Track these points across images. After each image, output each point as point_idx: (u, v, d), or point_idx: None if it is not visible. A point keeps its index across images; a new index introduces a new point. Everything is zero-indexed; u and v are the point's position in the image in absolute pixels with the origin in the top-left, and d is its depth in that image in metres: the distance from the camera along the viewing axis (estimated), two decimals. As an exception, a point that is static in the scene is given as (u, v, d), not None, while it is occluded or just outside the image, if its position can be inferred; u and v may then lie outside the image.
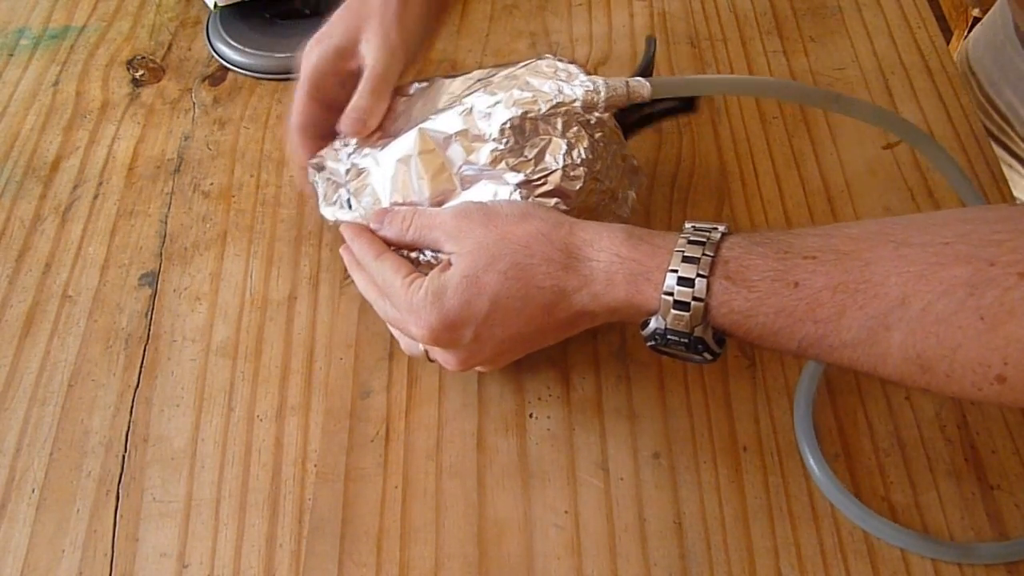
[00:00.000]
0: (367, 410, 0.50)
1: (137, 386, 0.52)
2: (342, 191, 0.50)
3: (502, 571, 0.45)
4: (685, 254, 0.39)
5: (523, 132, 0.45)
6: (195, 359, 0.53)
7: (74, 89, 0.68)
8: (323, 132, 0.52)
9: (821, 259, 0.37)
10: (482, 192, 0.46)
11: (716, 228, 0.40)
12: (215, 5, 0.69)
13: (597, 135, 0.47)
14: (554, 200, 0.46)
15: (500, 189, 0.45)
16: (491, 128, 0.45)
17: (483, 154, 0.46)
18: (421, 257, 0.46)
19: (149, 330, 0.54)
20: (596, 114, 0.46)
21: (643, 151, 0.63)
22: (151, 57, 0.71)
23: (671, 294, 0.39)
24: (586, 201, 0.47)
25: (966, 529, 0.46)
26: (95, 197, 0.61)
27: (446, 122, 0.47)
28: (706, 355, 0.40)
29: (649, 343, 0.41)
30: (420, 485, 0.48)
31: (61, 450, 0.49)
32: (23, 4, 0.75)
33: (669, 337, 0.40)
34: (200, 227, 0.59)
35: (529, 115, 0.45)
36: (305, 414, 0.50)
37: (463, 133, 0.46)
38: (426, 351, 0.46)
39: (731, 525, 0.46)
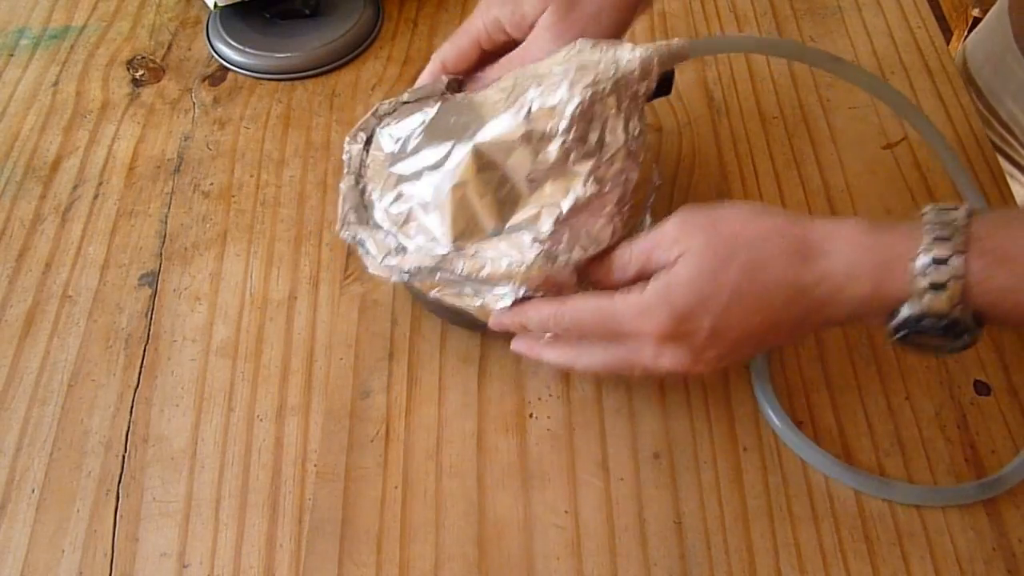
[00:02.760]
0: (367, 410, 0.50)
1: (137, 386, 0.52)
2: (389, 240, 0.48)
3: (502, 571, 0.45)
4: (937, 235, 0.37)
5: (587, 118, 0.44)
6: (195, 359, 0.53)
7: (74, 89, 0.68)
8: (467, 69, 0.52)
9: None
10: (552, 192, 0.45)
11: (958, 207, 0.38)
12: (215, 5, 0.69)
13: (642, 104, 0.46)
14: (623, 177, 0.45)
15: (572, 183, 0.44)
16: (558, 122, 0.44)
17: (552, 152, 0.44)
18: None
19: (149, 330, 0.54)
20: (646, 83, 0.45)
21: (643, 151, 0.63)
22: (151, 57, 0.71)
23: (926, 276, 0.37)
24: (645, 172, 0.46)
25: (966, 529, 0.46)
26: (95, 197, 0.61)
27: (503, 129, 0.45)
28: (966, 337, 0.38)
29: (898, 334, 0.39)
30: (420, 485, 0.48)
31: (61, 450, 0.49)
32: (23, 4, 0.75)
33: (924, 323, 0.38)
34: (200, 227, 0.59)
35: (595, 97, 0.44)
36: (305, 414, 0.50)
37: (527, 136, 0.44)
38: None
39: (731, 525, 0.46)
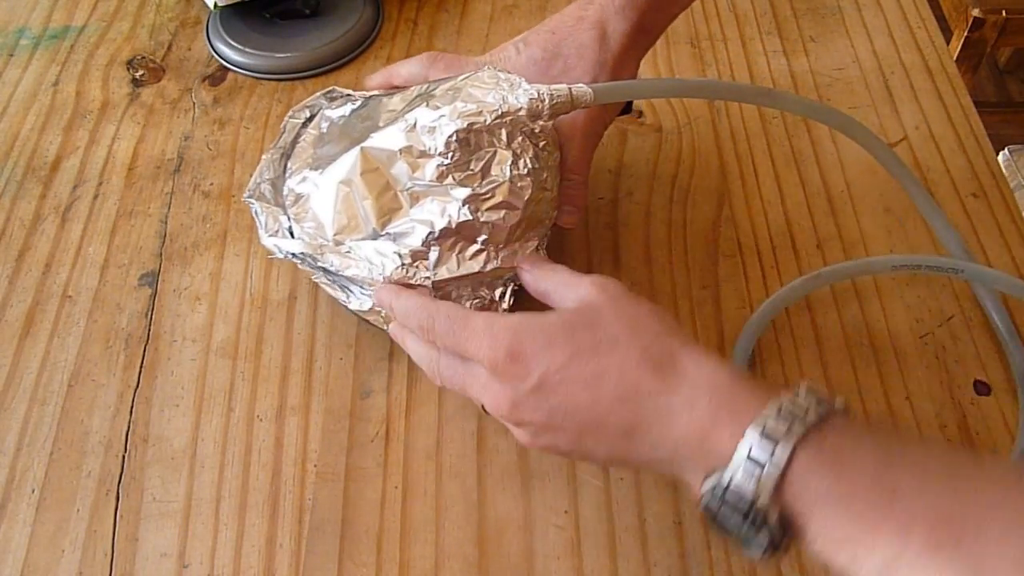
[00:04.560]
0: (367, 410, 0.50)
1: (137, 386, 0.52)
2: (282, 219, 0.50)
3: (502, 571, 0.45)
4: (784, 407, 0.34)
5: (468, 145, 0.45)
6: (195, 359, 0.53)
7: (74, 89, 0.68)
8: None
9: (931, 481, 0.32)
10: (430, 209, 0.45)
11: (834, 399, 0.35)
12: (215, 5, 0.69)
13: (541, 144, 0.46)
14: (503, 212, 0.45)
15: (448, 205, 0.45)
16: (436, 143, 0.45)
17: (429, 170, 0.45)
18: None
19: (149, 330, 0.54)
20: (540, 123, 0.46)
21: (643, 151, 0.63)
22: (151, 57, 0.71)
23: (749, 447, 0.33)
24: (534, 212, 0.47)
25: (966, 529, 0.46)
26: (95, 197, 0.61)
27: (389, 139, 0.46)
28: (762, 537, 0.33)
29: (703, 502, 0.35)
30: (420, 485, 0.48)
31: (61, 450, 0.49)
32: (23, 4, 0.75)
33: (727, 498, 0.34)
34: (200, 227, 0.59)
35: (475, 127, 0.44)
36: (305, 414, 0.50)
37: (407, 150, 0.45)
38: (483, 406, 0.41)
39: (731, 525, 0.46)
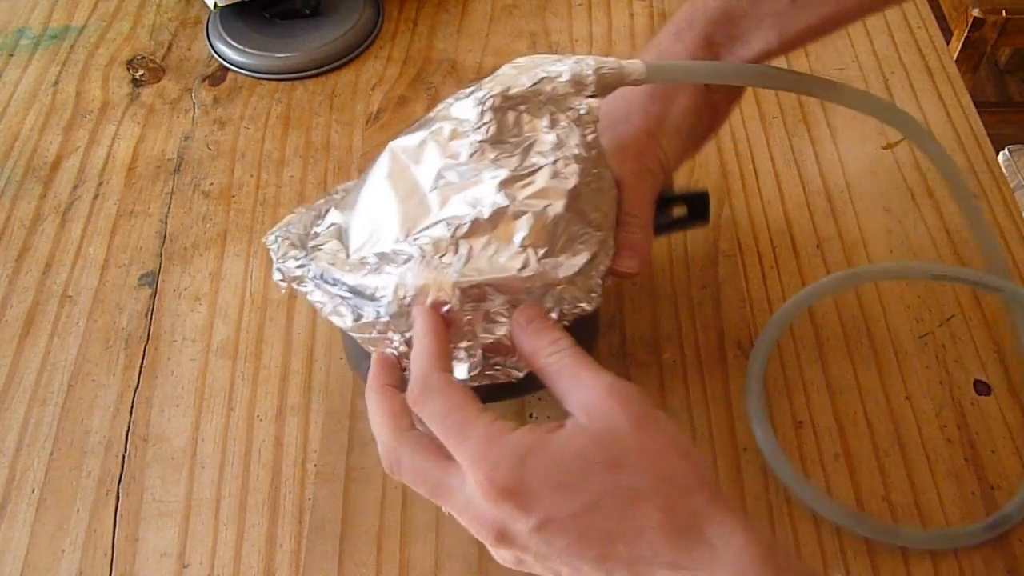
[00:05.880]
0: (367, 410, 0.50)
1: (137, 386, 0.52)
2: (297, 251, 0.43)
3: (502, 571, 0.45)
4: None
5: (505, 119, 0.39)
6: (195, 359, 0.53)
7: (74, 89, 0.68)
8: None
9: None
10: (459, 202, 0.38)
11: None
12: (215, 5, 0.69)
13: (588, 134, 0.40)
14: (544, 202, 0.38)
15: (481, 191, 0.38)
16: (469, 112, 0.39)
17: (461, 150, 0.39)
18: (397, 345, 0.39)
19: (149, 330, 0.54)
20: (587, 103, 0.40)
21: (643, 151, 0.63)
22: (151, 57, 0.71)
23: None
24: (581, 210, 0.39)
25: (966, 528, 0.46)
26: (95, 197, 0.61)
27: (417, 133, 0.40)
28: None
29: None
30: (420, 485, 0.47)
31: (61, 450, 0.49)
32: (23, 4, 0.75)
33: None
34: (200, 227, 0.59)
35: (511, 93, 0.38)
36: (305, 414, 0.50)
37: (437, 131, 0.39)
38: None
39: (731, 525, 0.46)
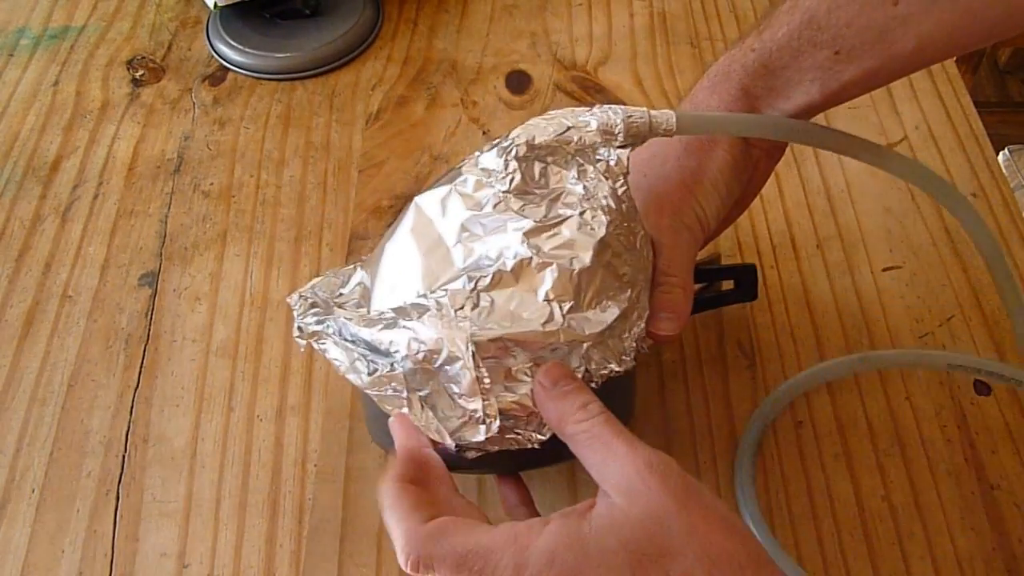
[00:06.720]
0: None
1: (137, 386, 0.52)
2: (317, 309, 0.41)
3: (502, 571, 0.45)
4: None
5: (531, 169, 0.37)
6: (195, 359, 0.53)
7: (74, 89, 0.68)
8: None
9: None
10: (481, 253, 0.37)
11: None
12: (215, 5, 0.69)
13: (619, 187, 0.38)
14: (569, 254, 0.36)
15: (505, 241, 0.36)
16: (494, 163, 0.38)
17: (487, 201, 0.37)
18: (375, 368, 0.37)
19: (149, 330, 0.54)
20: (616, 154, 0.39)
21: (643, 151, 0.63)
22: (151, 57, 0.71)
23: None
24: (611, 264, 0.37)
25: (966, 529, 0.46)
26: (95, 197, 0.61)
27: (442, 186, 0.39)
28: None
29: None
30: (420, 485, 0.47)
31: (61, 450, 0.49)
32: (23, 4, 0.75)
33: None
34: (200, 227, 0.59)
35: (537, 141, 0.37)
36: (305, 414, 0.50)
37: (462, 183, 0.38)
38: None
39: (731, 525, 0.46)
